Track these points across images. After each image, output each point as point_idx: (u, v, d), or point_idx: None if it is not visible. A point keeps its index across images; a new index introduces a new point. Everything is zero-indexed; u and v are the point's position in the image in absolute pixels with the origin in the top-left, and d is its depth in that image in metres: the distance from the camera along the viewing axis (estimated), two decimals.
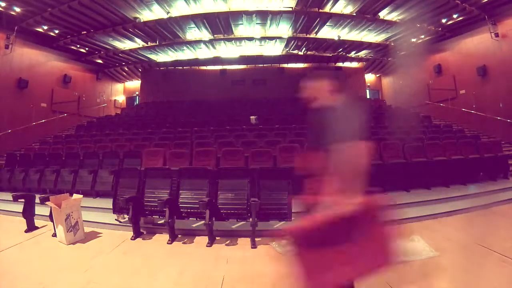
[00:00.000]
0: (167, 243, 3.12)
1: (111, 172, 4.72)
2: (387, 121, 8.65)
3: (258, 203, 3.05)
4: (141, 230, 3.47)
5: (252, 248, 2.95)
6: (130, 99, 16.33)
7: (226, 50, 12.52)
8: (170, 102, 13.72)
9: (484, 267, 2.34)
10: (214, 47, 12.15)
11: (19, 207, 3.80)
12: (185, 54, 12.94)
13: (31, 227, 3.56)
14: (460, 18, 9.29)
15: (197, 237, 3.30)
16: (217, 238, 3.24)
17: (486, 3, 8.32)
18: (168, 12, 9.13)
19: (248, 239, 3.10)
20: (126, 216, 3.55)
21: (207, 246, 3.04)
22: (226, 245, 3.07)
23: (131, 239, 3.27)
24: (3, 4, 7.92)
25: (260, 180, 3.43)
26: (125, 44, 11.55)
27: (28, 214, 3.59)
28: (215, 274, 2.41)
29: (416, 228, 3.28)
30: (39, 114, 9.91)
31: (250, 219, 3.07)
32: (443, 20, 9.52)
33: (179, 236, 3.33)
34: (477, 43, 9.30)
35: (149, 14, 9.34)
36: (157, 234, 3.45)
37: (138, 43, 11.44)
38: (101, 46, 11.49)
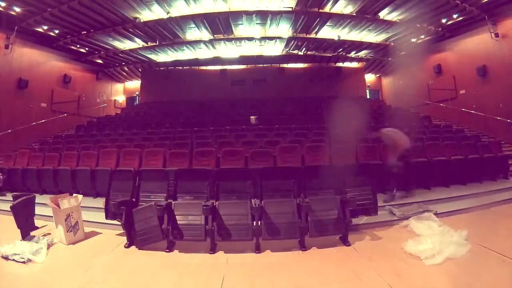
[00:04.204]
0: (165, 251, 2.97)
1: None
2: (387, 121, 8.64)
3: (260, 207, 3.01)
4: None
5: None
6: (130, 99, 16.33)
7: (226, 50, 12.52)
8: (170, 102, 13.72)
9: (484, 267, 2.34)
10: (214, 47, 12.15)
11: None
12: (185, 54, 12.93)
13: (25, 234, 3.32)
14: (460, 18, 9.27)
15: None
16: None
17: (486, 3, 8.31)
18: (168, 12, 9.13)
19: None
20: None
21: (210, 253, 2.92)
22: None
23: (124, 246, 3.07)
24: (3, 4, 7.90)
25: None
26: (125, 44, 11.55)
27: (23, 223, 3.35)
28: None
29: None
30: (39, 114, 9.90)
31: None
32: (443, 20, 9.51)
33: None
34: (477, 43, 9.28)
35: (149, 14, 9.34)
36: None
37: (138, 43, 11.44)
38: (101, 46, 11.48)
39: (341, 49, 12.67)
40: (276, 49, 12.50)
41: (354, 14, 9.44)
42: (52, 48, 10.68)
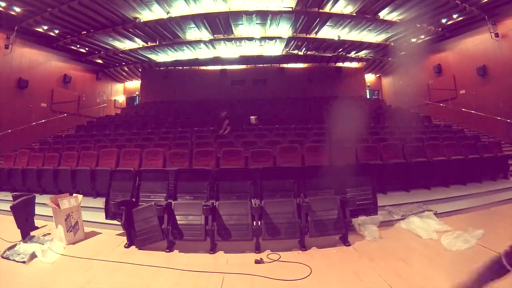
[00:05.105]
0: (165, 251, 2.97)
1: None
2: (387, 121, 8.66)
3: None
4: None
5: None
6: (130, 99, 16.33)
7: (226, 50, 12.51)
8: (170, 102, 13.72)
9: None
10: (214, 47, 12.14)
11: None
12: (185, 54, 12.93)
13: (25, 234, 3.34)
14: (460, 18, 9.27)
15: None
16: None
17: (486, 3, 8.31)
18: (168, 12, 9.13)
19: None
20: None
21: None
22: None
23: (124, 246, 3.08)
24: (3, 4, 7.91)
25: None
26: (125, 44, 11.55)
27: (23, 223, 3.39)
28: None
29: None
30: (39, 114, 9.91)
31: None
32: (443, 20, 9.51)
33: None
34: (477, 43, 9.28)
35: (149, 14, 9.34)
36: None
37: (138, 43, 11.43)
38: (101, 46, 11.48)
39: (341, 49, 12.67)
40: (276, 49, 12.49)
41: (354, 14, 9.43)
42: (52, 48, 10.68)
